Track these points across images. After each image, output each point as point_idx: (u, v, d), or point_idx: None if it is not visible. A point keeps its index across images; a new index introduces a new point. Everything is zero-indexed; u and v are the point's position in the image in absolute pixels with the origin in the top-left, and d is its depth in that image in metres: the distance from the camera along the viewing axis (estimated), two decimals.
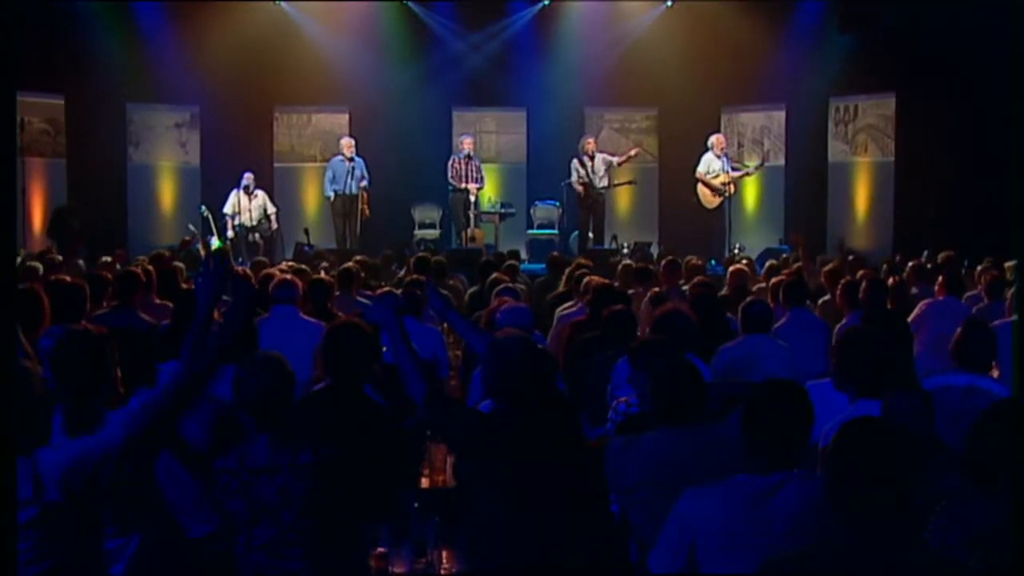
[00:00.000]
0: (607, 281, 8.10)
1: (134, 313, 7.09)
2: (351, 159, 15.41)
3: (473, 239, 15.36)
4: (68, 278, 6.94)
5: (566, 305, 8.40)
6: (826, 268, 9.63)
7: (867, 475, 2.69)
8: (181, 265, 10.36)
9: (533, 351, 4.02)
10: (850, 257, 12.20)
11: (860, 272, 9.26)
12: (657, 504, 3.68)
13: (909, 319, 7.60)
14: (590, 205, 15.48)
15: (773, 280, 8.66)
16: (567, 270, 9.67)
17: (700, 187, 15.39)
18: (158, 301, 7.96)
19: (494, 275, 8.86)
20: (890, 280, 8.85)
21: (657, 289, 8.71)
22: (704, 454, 3.85)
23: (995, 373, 5.25)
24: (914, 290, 9.10)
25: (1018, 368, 4.31)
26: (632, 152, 15.84)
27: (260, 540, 3.79)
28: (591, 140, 15.95)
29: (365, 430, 4.35)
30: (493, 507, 3.83)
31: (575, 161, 15.54)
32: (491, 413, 4.03)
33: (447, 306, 4.66)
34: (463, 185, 15.55)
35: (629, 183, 16.17)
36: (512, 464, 3.81)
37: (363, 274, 9.50)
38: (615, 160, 15.62)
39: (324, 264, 11.57)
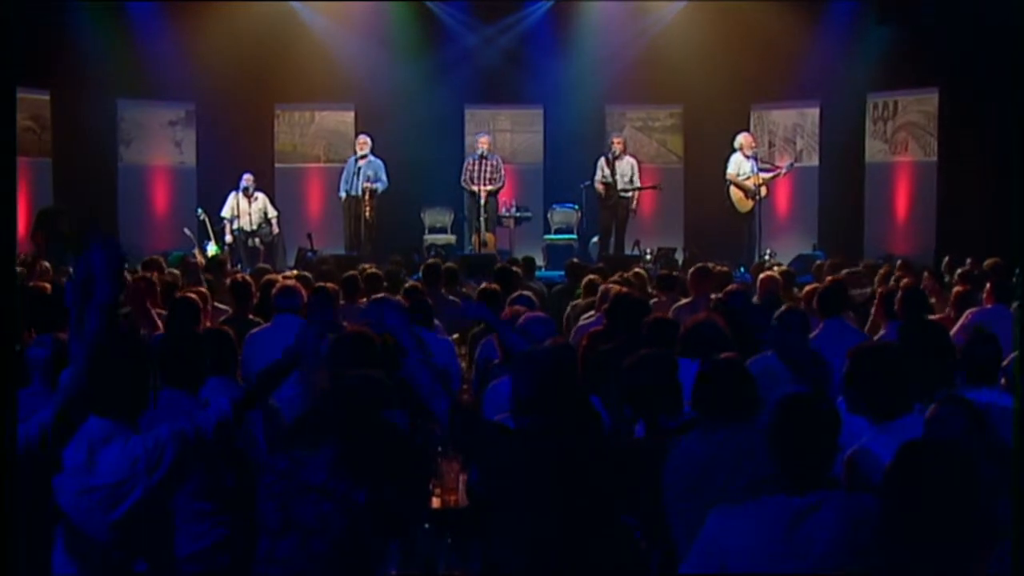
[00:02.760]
0: (627, 289, 8.12)
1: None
2: (363, 157, 15.36)
3: (485, 244, 15.33)
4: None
5: (587, 315, 8.43)
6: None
7: (932, 499, 2.73)
8: (176, 272, 10.43)
9: (568, 364, 4.06)
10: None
11: (904, 280, 9.26)
12: (693, 515, 3.71)
13: (953, 330, 7.59)
14: (611, 208, 15.49)
15: (807, 288, 8.65)
16: (584, 279, 9.69)
17: (733, 190, 15.36)
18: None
19: (483, 285, 8.84)
20: (956, 288, 8.82)
21: (685, 300, 8.73)
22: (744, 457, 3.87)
23: None
24: None
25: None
26: (655, 185, 15.96)
27: (282, 554, 3.79)
28: (618, 139, 15.96)
29: (385, 456, 4.36)
30: (515, 524, 3.84)
31: (602, 160, 15.58)
32: (519, 429, 4.03)
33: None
34: (472, 187, 15.52)
35: (653, 187, 16.13)
36: (538, 481, 3.82)
37: (386, 283, 9.62)
38: (638, 183, 15.67)
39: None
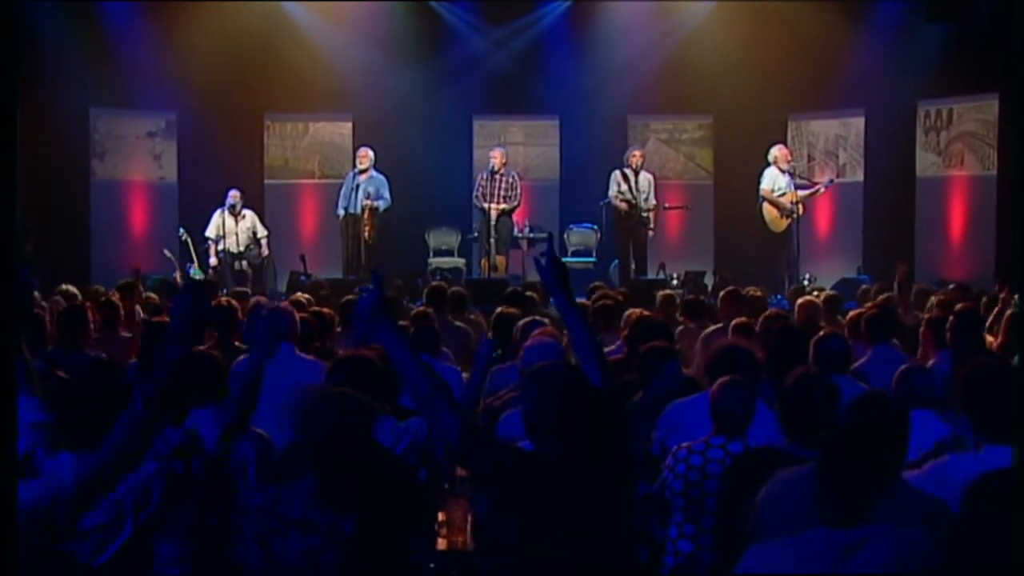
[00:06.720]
0: (648, 313, 8.17)
1: (82, 353, 7.19)
2: (363, 172, 15.27)
3: (495, 268, 15.29)
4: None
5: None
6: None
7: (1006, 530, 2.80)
8: (154, 296, 10.51)
9: (579, 383, 3.88)
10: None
11: (959, 305, 9.27)
12: None
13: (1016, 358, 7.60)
14: (631, 228, 15.44)
15: (852, 313, 8.70)
16: (589, 303, 9.69)
17: (766, 207, 15.33)
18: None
19: (499, 309, 8.85)
20: (1007, 312, 8.84)
21: (714, 327, 8.76)
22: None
23: None
24: None
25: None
26: (681, 205, 15.90)
27: None
28: (637, 152, 15.87)
29: (373, 482, 4.38)
30: (526, 560, 3.82)
31: (616, 173, 15.47)
32: (535, 454, 3.93)
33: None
34: (483, 205, 15.46)
35: (681, 207, 16.10)
36: (553, 514, 3.76)
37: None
38: (653, 201, 15.64)
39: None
